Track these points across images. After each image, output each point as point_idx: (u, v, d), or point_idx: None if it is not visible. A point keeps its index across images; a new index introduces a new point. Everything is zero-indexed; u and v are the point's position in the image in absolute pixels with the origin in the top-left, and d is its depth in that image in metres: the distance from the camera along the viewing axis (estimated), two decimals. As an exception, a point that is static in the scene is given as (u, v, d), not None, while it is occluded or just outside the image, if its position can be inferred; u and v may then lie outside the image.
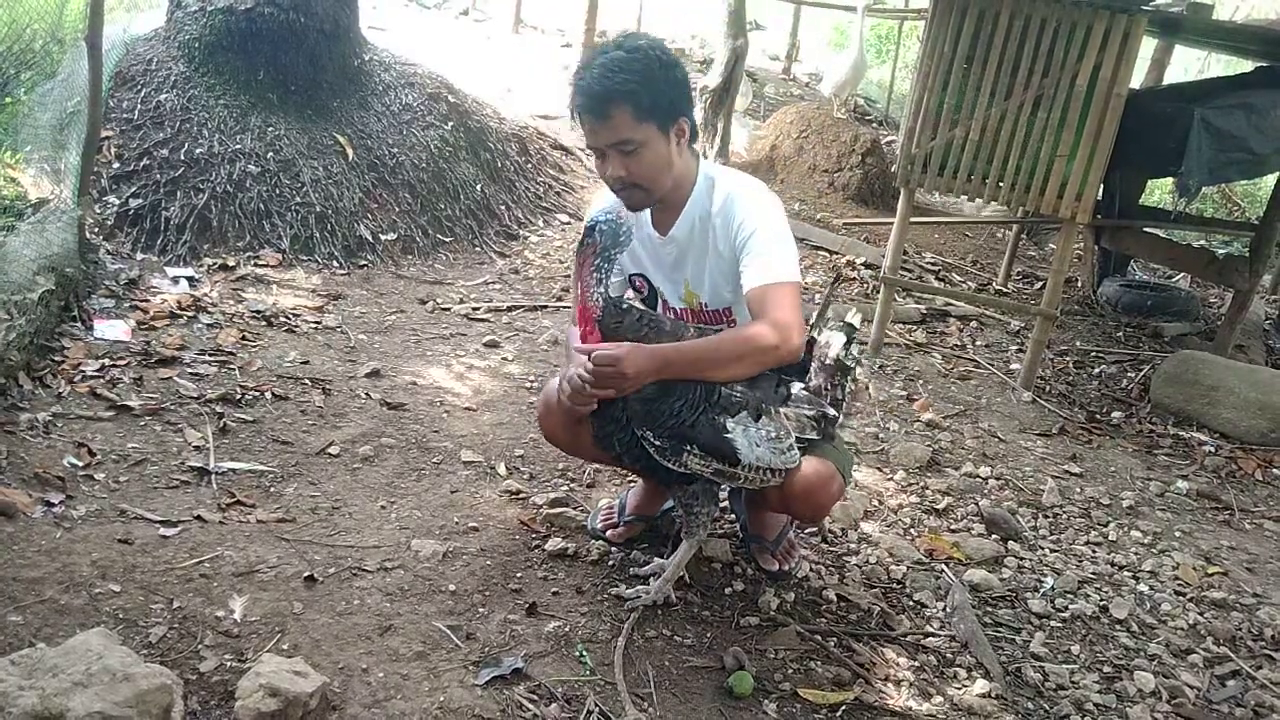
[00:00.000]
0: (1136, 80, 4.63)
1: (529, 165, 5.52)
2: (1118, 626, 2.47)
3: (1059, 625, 2.45)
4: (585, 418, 2.09)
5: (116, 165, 3.94)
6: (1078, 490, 3.24)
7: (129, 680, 1.55)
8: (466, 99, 5.36)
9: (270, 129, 4.32)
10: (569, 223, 5.27)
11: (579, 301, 1.99)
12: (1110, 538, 2.94)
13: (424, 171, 4.72)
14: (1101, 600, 2.57)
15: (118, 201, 3.84)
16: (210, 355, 3.13)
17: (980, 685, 2.13)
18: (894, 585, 2.50)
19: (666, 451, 1.99)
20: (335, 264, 4.13)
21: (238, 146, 4.18)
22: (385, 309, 3.88)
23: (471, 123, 5.19)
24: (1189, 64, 9.95)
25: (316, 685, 1.69)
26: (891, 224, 4.24)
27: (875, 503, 2.93)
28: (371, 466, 2.69)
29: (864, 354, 2.09)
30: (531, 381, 3.39)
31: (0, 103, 4.14)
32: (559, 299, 4.24)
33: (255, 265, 3.91)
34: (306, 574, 2.11)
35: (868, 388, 2.08)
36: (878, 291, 4.31)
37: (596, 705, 1.87)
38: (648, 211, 2.18)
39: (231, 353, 3.18)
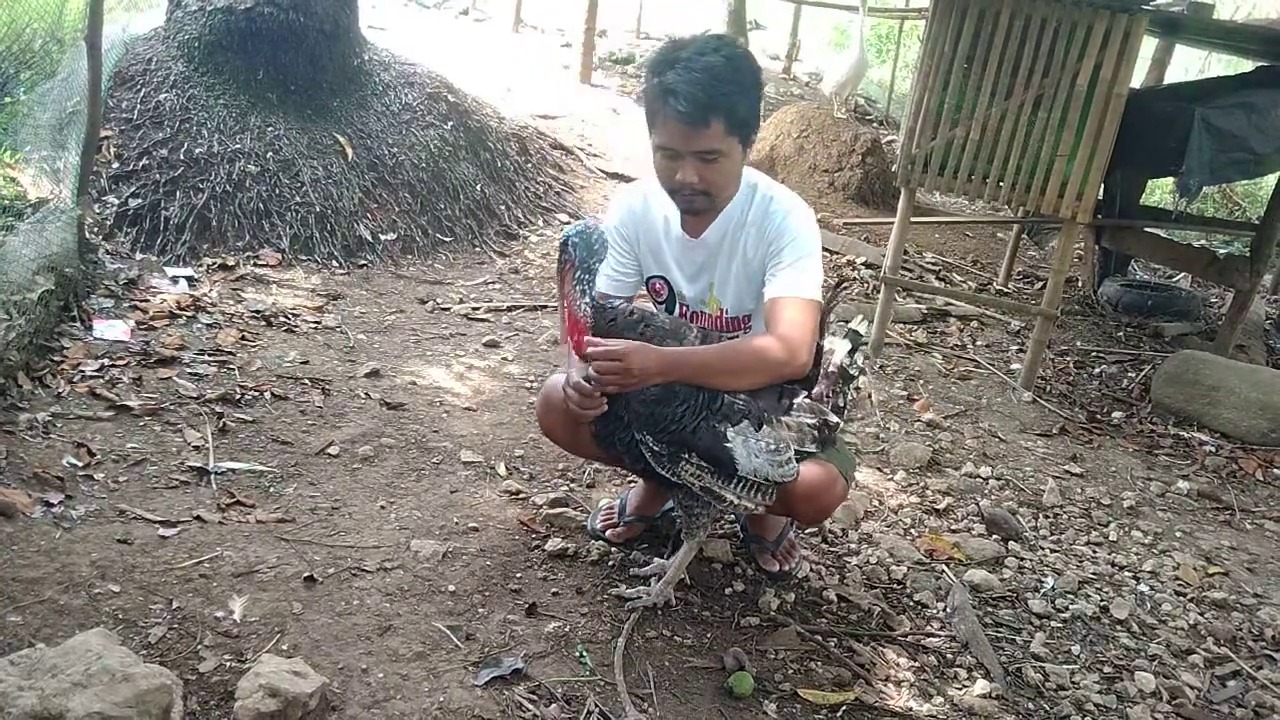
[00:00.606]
0: (1137, 80, 4.63)
1: (529, 165, 5.52)
2: (1118, 627, 2.47)
3: (1059, 625, 2.45)
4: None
5: (116, 165, 3.93)
6: (1078, 490, 3.23)
7: (128, 680, 1.55)
8: (466, 98, 5.36)
9: (270, 129, 4.32)
10: (569, 222, 5.26)
11: (567, 317, 1.99)
12: (1111, 538, 2.94)
13: (424, 171, 4.71)
14: (1102, 600, 2.57)
15: (117, 201, 3.83)
16: (210, 355, 3.12)
17: (981, 686, 2.13)
18: (894, 585, 2.50)
19: (664, 458, 1.98)
20: (335, 264, 4.13)
21: (237, 146, 4.17)
22: (385, 309, 3.88)
23: (471, 122, 5.19)
24: (1190, 64, 9.94)
25: (316, 686, 1.69)
26: (892, 224, 4.23)
27: (876, 503, 2.92)
28: (371, 467, 2.69)
29: (867, 361, 2.08)
30: (531, 381, 3.39)
31: (0, 102, 4.14)
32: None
33: (255, 265, 3.91)
34: (306, 574, 2.11)
35: (870, 395, 2.08)
36: (878, 291, 4.30)
37: (596, 705, 1.87)
38: (676, 213, 2.15)
39: (231, 353, 3.18)
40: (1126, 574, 2.74)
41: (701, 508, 2.11)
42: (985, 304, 5.02)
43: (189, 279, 3.64)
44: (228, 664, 1.81)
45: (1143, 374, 4.42)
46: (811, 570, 2.48)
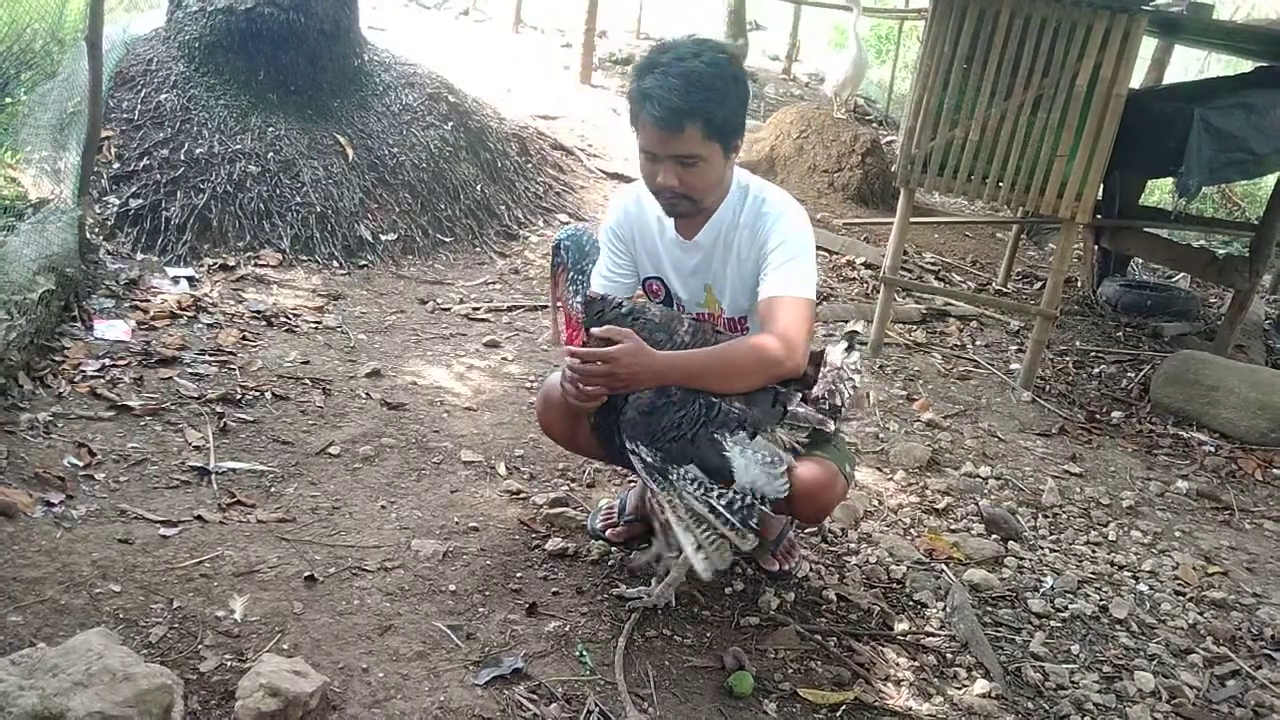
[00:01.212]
0: (1136, 80, 4.63)
1: (529, 165, 5.52)
2: (1117, 626, 2.48)
3: (1059, 625, 2.45)
4: (585, 413, 2.09)
5: (116, 165, 3.94)
6: (1077, 490, 3.24)
7: (129, 680, 1.55)
8: (466, 99, 5.36)
9: (270, 129, 4.32)
10: (569, 222, 5.26)
11: (563, 317, 2.00)
12: (1110, 537, 2.94)
13: (424, 171, 4.72)
14: (1101, 600, 2.57)
15: (118, 201, 3.84)
16: (210, 355, 3.13)
17: (980, 685, 2.13)
18: (894, 585, 2.50)
19: (655, 470, 1.97)
20: (335, 264, 4.13)
21: (238, 146, 4.18)
22: (385, 309, 3.89)
23: (471, 123, 5.19)
24: (1189, 64, 9.95)
25: (316, 685, 1.70)
26: (891, 224, 4.24)
27: (875, 502, 2.93)
28: (371, 466, 2.69)
29: (864, 360, 2.07)
30: (531, 381, 3.39)
31: (0, 103, 4.14)
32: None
33: (255, 265, 3.91)
34: (307, 574, 2.11)
35: (868, 395, 2.07)
36: (878, 291, 4.31)
37: (596, 705, 1.87)
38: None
39: (232, 353, 3.18)
40: (1126, 574, 2.74)
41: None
42: (984, 304, 5.02)
43: (190, 279, 3.64)
44: (228, 663, 1.81)
45: (1142, 374, 4.42)
46: (811, 570, 2.48)
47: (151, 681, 1.57)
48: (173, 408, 2.77)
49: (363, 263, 4.22)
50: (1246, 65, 5.31)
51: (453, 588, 2.16)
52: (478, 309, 4.03)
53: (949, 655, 2.24)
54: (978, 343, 4.65)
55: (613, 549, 2.39)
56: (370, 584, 2.13)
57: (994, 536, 2.82)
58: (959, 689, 2.13)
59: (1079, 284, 5.89)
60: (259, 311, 3.52)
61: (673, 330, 2.05)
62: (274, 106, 4.42)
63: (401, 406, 3.05)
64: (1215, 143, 3.99)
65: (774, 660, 2.11)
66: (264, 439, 2.73)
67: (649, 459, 1.96)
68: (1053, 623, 2.45)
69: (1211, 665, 2.37)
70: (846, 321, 2.17)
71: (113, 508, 2.26)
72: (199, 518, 2.28)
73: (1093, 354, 4.72)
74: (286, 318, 3.55)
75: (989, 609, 2.46)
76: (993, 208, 6.36)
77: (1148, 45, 5.41)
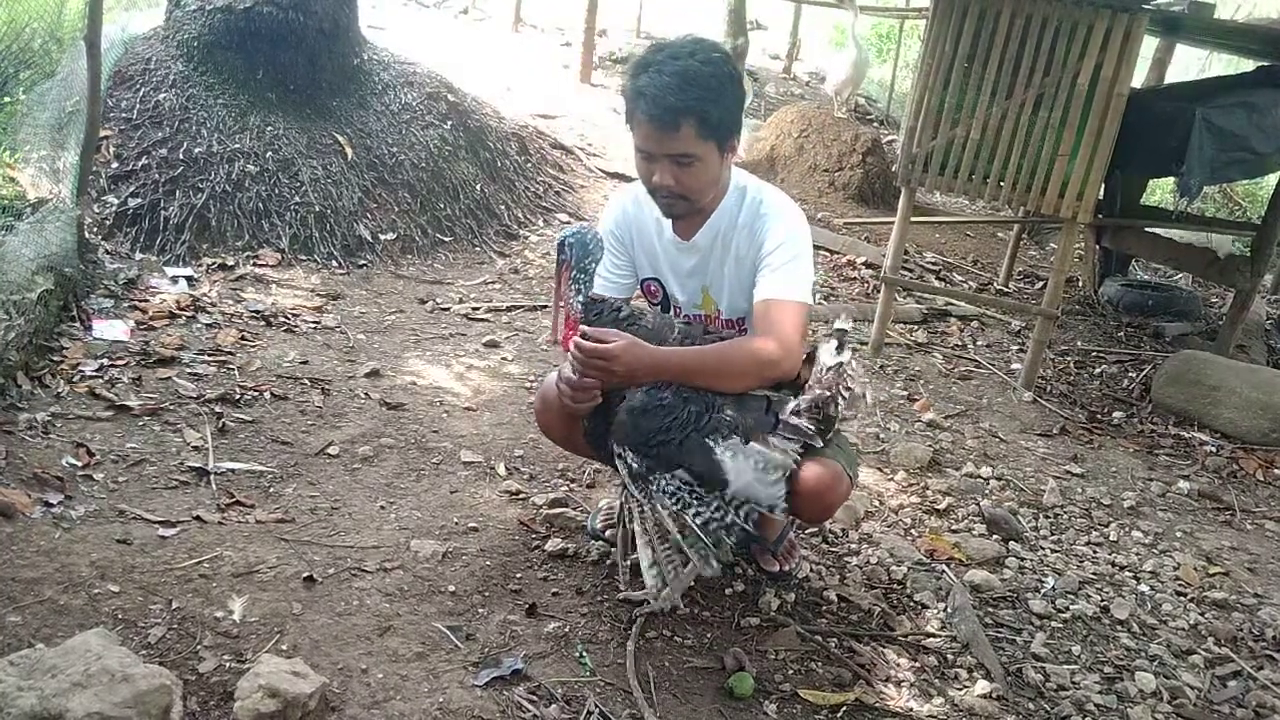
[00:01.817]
0: (1138, 80, 4.62)
1: (529, 164, 5.51)
2: (1119, 627, 2.47)
3: (1060, 626, 2.44)
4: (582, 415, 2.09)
5: (115, 165, 3.93)
6: (1079, 490, 3.23)
7: (128, 681, 1.54)
8: (466, 98, 5.36)
9: (269, 128, 4.31)
10: (569, 222, 5.26)
11: (563, 316, 2.01)
12: (1111, 538, 2.94)
13: (423, 171, 4.71)
14: (1103, 601, 2.57)
15: (116, 201, 3.83)
16: (209, 355, 3.12)
17: (981, 686, 2.13)
18: (895, 586, 2.49)
19: (639, 476, 1.96)
20: (334, 264, 4.13)
21: (236, 146, 4.17)
22: (385, 309, 3.88)
23: (471, 122, 5.18)
24: (1190, 64, 9.94)
25: (316, 686, 1.69)
26: (892, 223, 4.23)
27: (876, 503, 2.92)
28: (371, 467, 2.69)
29: (858, 355, 2.04)
30: (531, 381, 3.38)
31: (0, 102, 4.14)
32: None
33: (254, 265, 3.90)
34: (306, 574, 2.11)
35: (865, 395, 2.05)
36: (878, 291, 4.30)
37: (596, 706, 1.86)
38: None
39: (230, 353, 3.17)
40: (1127, 574, 2.74)
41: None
42: (986, 304, 5.02)
43: (188, 279, 3.64)
44: (227, 664, 1.80)
45: (1143, 374, 4.42)
46: (812, 570, 2.47)
47: (150, 682, 1.56)
48: (171, 408, 2.76)
49: (362, 262, 4.22)
50: (1248, 65, 5.30)
51: (452, 588, 2.16)
52: (477, 309, 4.02)
53: (950, 656, 2.24)
54: (979, 343, 4.65)
55: (613, 549, 2.38)
56: (369, 585, 2.13)
57: (995, 537, 2.81)
58: (960, 690, 2.13)
59: (1080, 284, 5.88)
60: (258, 311, 3.52)
61: (662, 337, 2.05)
62: (273, 106, 4.42)
63: (401, 406, 3.05)
64: (1217, 142, 3.99)
65: (774, 661, 2.11)
66: (263, 439, 2.72)
67: (634, 464, 1.96)
68: (1054, 623, 2.45)
69: (1213, 666, 2.36)
70: (830, 321, 2.14)
71: (111, 508, 2.26)
72: (198, 518, 2.28)
73: (1094, 354, 4.72)
74: (285, 317, 3.55)
75: (990, 610, 2.46)
76: (994, 207, 6.36)
77: (1149, 45, 5.40)
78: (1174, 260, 5.70)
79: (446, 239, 4.63)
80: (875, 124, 8.90)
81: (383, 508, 2.48)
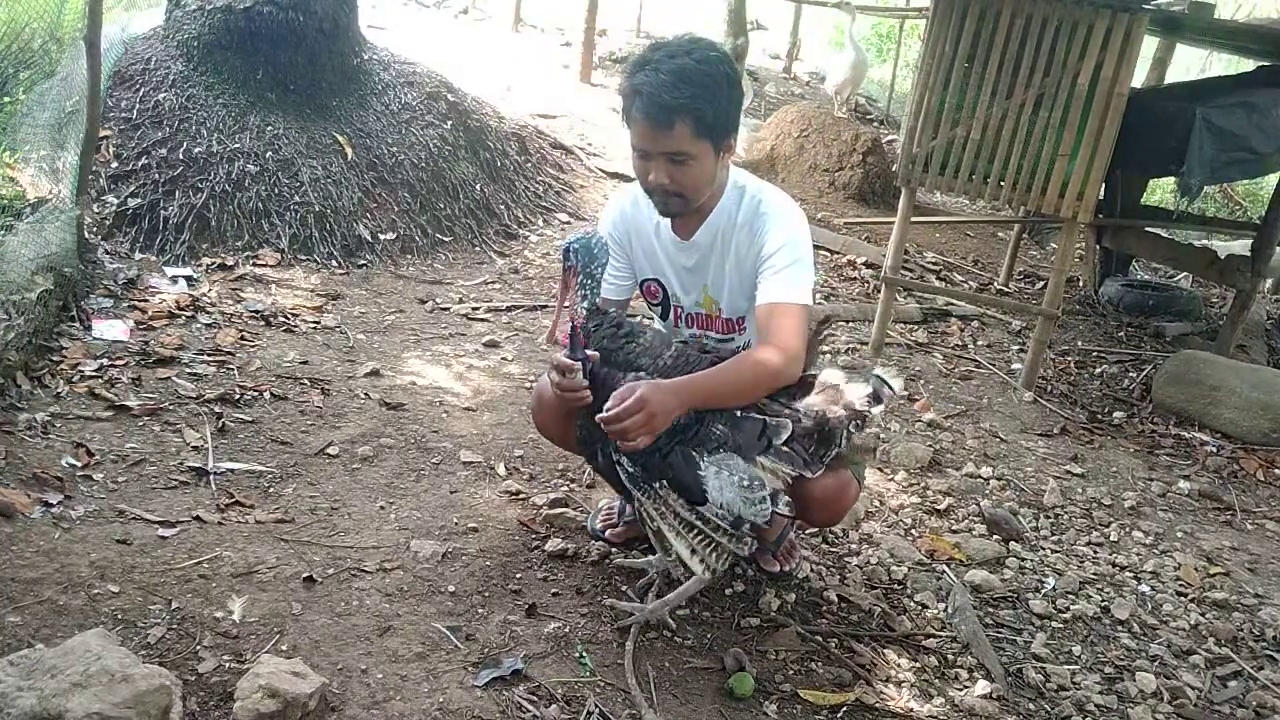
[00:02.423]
0: (1138, 79, 4.62)
1: (529, 164, 5.51)
2: (1119, 627, 2.47)
3: (1060, 626, 2.44)
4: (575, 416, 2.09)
5: (115, 165, 3.93)
6: (1079, 490, 3.23)
7: (128, 681, 1.54)
8: (466, 98, 5.35)
9: (269, 128, 4.31)
10: (569, 222, 5.26)
11: (568, 317, 2.00)
12: (1112, 538, 2.93)
13: (423, 171, 4.71)
14: (1103, 601, 2.56)
15: (116, 201, 3.83)
16: (209, 355, 3.12)
17: (981, 686, 2.13)
18: (895, 586, 2.49)
19: (638, 480, 1.97)
20: (334, 263, 4.13)
21: (236, 146, 4.17)
22: (384, 309, 3.88)
23: (471, 122, 5.18)
24: (1190, 64, 9.94)
25: (315, 686, 1.69)
26: (892, 223, 4.23)
27: (876, 503, 2.92)
28: (371, 467, 2.68)
29: (885, 408, 2.01)
30: (531, 381, 3.38)
31: (-1, 102, 4.13)
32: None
33: (254, 265, 3.90)
34: (305, 575, 2.10)
35: (874, 450, 2.05)
36: (879, 291, 4.30)
37: (596, 706, 1.86)
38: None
39: (230, 353, 3.17)
40: (1127, 574, 2.73)
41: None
42: (986, 304, 5.02)
43: (188, 279, 3.64)
44: (227, 664, 1.80)
45: (1144, 374, 4.41)
46: (812, 571, 2.47)
47: (150, 682, 1.56)
48: (171, 408, 2.76)
49: (361, 262, 4.21)
50: (1248, 64, 5.30)
51: (452, 589, 2.16)
52: (477, 309, 4.02)
53: (950, 656, 2.24)
54: (979, 343, 4.65)
55: (613, 549, 2.38)
56: (369, 585, 2.13)
57: (995, 537, 2.81)
58: (960, 690, 2.13)
59: (1081, 284, 5.88)
60: (257, 311, 3.52)
61: (657, 354, 2.04)
62: (273, 105, 4.41)
63: (400, 407, 3.04)
64: (1217, 142, 3.98)
65: (775, 661, 2.11)
66: (262, 439, 2.72)
67: (630, 469, 1.97)
68: (1054, 623, 2.45)
69: (1213, 666, 2.36)
70: (861, 365, 2.07)
71: (111, 508, 2.26)
72: (197, 518, 2.27)
73: (1094, 354, 4.72)
74: (285, 317, 3.55)
75: (990, 610, 2.46)
76: (994, 207, 6.36)
77: (1149, 45, 5.40)
78: (1174, 260, 5.70)
79: (446, 239, 4.63)
80: (875, 124, 8.90)
81: (382, 508, 2.48)
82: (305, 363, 3.23)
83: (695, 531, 1.93)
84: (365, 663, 1.87)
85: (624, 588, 2.24)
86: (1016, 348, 4.59)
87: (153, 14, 4.85)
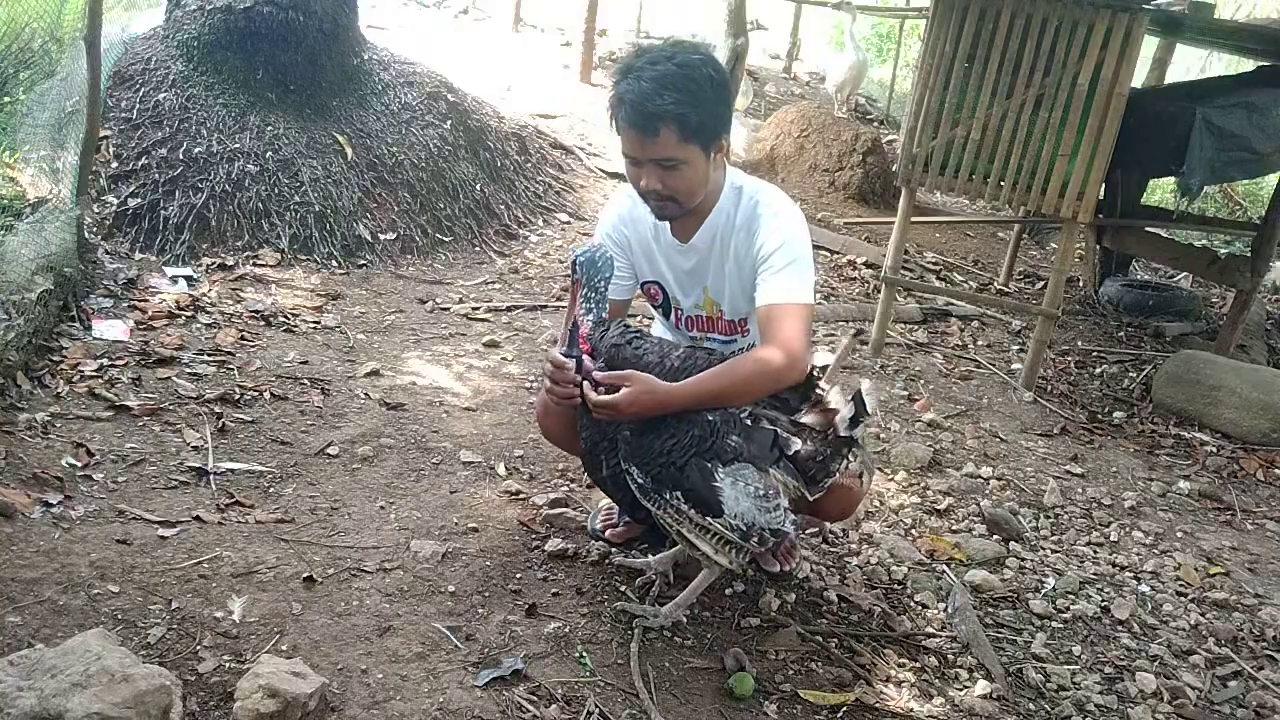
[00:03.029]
0: (1138, 79, 4.62)
1: (529, 164, 5.51)
2: (1119, 627, 2.47)
3: (1060, 626, 2.44)
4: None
5: (115, 165, 3.93)
6: (1079, 490, 3.23)
7: (128, 681, 1.54)
8: (466, 98, 5.35)
9: (269, 128, 4.31)
10: (569, 222, 5.26)
11: (577, 330, 2.03)
12: (1112, 538, 2.93)
13: (423, 171, 4.71)
14: (1103, 601, 2.56)
15: (116, 201, 3.83)
16: (209, 355, 3.12)
17: (981, 686, 2.13)
18: (895, 586, 2.49)
19: (648, 491, 1.98)
20: (334, 264, 4.13)
21: (236, 146, 4.17)
22: (384, 309, 3.88)
23: (471, 122, 5.18)
24: (1190, 64, 9.94)
25: (315, 686, 1.69)
26: (892, 223, 4.23)
27: (876, 503, 2.92)
28: (371, 467, 2.68)
29: (869, 430, 2.04)
30: (531, 381, 3.38)
31: (-1, 102, 4.13)
32: (559, 298, 4.23)
33: (254, 265, 3.90)
34: (305, 575, 2.10)
35: (861, 476, 2.10)
36: (879, 291, 4.30)
37: (596, 706, 1.86)
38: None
39: (230, 353, 3.17)
40: (1127, 574, 2.73)
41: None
42: (986, 304, 5.02)
43: (188, 279, 3.64)
44: (227, 664, 1.80)
45: (1144, 374, 4.41)
46: (812, 571, 2.47)
47: (150, 682, 1.56)
48: (171, 408, 2.76)
49: (361, 262, 4.21)
50: (1248, 64, 5.30)
51: (452, 589, 2.16)
52: (477, 309, 4.02)
53: (950, 656, 2.24)
54: (979, 343, 4.65)
55: (613, 549, 2.38)
56: (369, 585, 2.13)
57: (995, 537, 2.81)
58: (960, 690, 2.13)
59: (1081, 284, 5.88)
60: (257, 311, 3.52)
61: (664, 355, 2.05)
62: (273, 105, 4.41)
63: (400, 407, 3.04)
64: (1217, 142, 3.98)
65: (775, 661, 2.11)
66: (262, 439, 2.72)
67: (640, 480, 1.98)
68: (1054, 624, 2.44)
69: (1213, 666, 2.36)
70: (859, 384, 2.03)
71: (111, 508, 2.26)
72: (197, 518, 2.27)
73: (1094, 354, 4.71)
74: (285, 317, 3.55)
75: (990, 610, 2.46)
76: (994, 207, 6.36)
77: (1149, 45, 5.41)
78: (1174, 260, 5.70)
79: (446, 239, 4.63)
80: (875, 124, 8.90)
81: (383, 508, 2.48)
82: (305, 363, 3.23)
83: (712, 534, 1.95)
84: (365, 663, 1.87)
85: (623, 588, 2.24)
86: (1016, 348, 4.59)
87: (153, 14, 4.85)
